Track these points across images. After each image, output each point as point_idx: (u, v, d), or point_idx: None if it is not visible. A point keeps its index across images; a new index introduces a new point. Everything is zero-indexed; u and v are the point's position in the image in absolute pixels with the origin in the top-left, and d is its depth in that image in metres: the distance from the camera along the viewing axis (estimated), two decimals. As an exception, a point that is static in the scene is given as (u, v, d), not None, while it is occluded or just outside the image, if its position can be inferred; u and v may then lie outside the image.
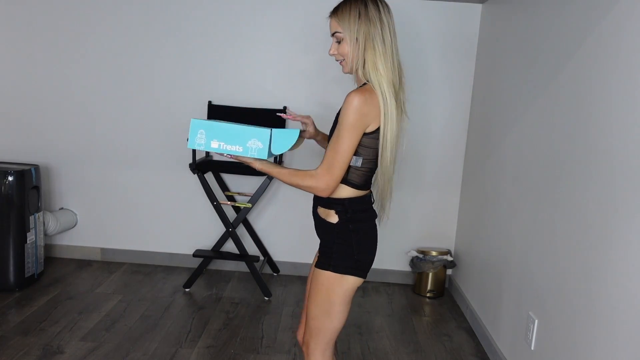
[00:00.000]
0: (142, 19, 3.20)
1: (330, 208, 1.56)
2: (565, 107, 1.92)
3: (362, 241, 1.56)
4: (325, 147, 1.70)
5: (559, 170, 1.94)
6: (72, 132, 3.34)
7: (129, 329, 2.61)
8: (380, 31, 1.48)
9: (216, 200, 3.04)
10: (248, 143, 1.46)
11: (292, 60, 3.22)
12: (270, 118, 3.14)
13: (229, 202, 3.14)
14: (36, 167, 3.02)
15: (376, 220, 1.62)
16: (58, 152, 3.38)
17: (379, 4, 1.50)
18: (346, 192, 1.53)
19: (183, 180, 3.37)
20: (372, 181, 1.59)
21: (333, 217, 1.55)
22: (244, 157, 1.51)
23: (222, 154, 1.51)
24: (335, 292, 1.54)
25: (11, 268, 2.91)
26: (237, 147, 1.47)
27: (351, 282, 1.55)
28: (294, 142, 1.53)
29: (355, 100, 1.43)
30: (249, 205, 3.05)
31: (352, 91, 1.47)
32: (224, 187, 3.32)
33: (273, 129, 1.48)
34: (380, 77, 1.47)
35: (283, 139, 1.51)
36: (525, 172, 2.28)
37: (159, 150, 3.34)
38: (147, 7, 3.19)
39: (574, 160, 1.82)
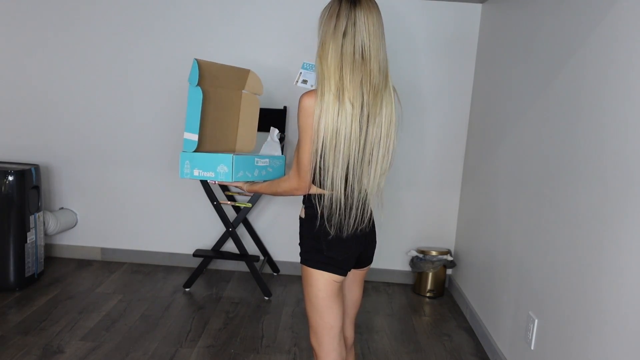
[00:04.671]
0: (143, 19, 3.20)
1: (303, 203, 1.61)
2: (565, 107, 1.92)
3: (330, 239, 1.54)
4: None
5: (558, 171, 1.94)
6: (72, 132, 3.34)
7: (129, 329, 2.61)
8: (334, 22, 1.43)
9: (216, 200, 3.04)
10: (217, 168, 1.59)
11: (292, 61, 3.22)
12: (271, 118, 3.14)
13: (229, 202, 3.12)
14: (36, 167, 3.02)
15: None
16: (58, 152, 3.38)
17: (344, 1, 1.45)
18: (313, 189, 1.57)
19: (183, 180, 3.37)
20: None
21: (303, 212, 1.60)
22: (230, 183, 1.62)
23: (210, 182, 1.63)
24: (315, 285, 1.56)
25: (11, 268, 2.91)
26: (210, 172, 1.60)
27: (326, 277, 1.55)
28: (255, 167, 1.66)
29: (302, 102, 1.46)
30: (249, 205, 3.03)
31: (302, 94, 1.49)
32: (224, 187, 3.31)
33: (235, 155, 1.59)
34: (318, 67, 1.44)
35: (246, 164, 1.64)
36: (525, 172, 2.28)
37: (159, 150, 3.34)
38: (148, 8, 3.19)
39: (574, 161, 1.82)
